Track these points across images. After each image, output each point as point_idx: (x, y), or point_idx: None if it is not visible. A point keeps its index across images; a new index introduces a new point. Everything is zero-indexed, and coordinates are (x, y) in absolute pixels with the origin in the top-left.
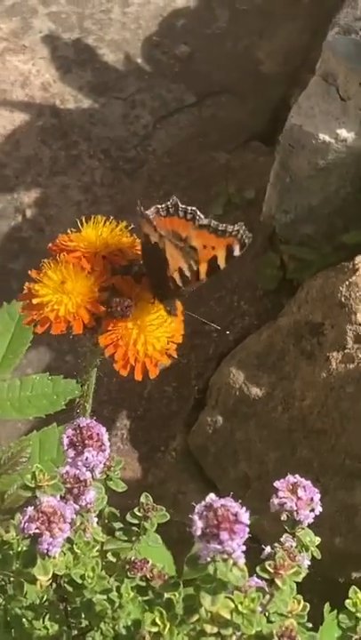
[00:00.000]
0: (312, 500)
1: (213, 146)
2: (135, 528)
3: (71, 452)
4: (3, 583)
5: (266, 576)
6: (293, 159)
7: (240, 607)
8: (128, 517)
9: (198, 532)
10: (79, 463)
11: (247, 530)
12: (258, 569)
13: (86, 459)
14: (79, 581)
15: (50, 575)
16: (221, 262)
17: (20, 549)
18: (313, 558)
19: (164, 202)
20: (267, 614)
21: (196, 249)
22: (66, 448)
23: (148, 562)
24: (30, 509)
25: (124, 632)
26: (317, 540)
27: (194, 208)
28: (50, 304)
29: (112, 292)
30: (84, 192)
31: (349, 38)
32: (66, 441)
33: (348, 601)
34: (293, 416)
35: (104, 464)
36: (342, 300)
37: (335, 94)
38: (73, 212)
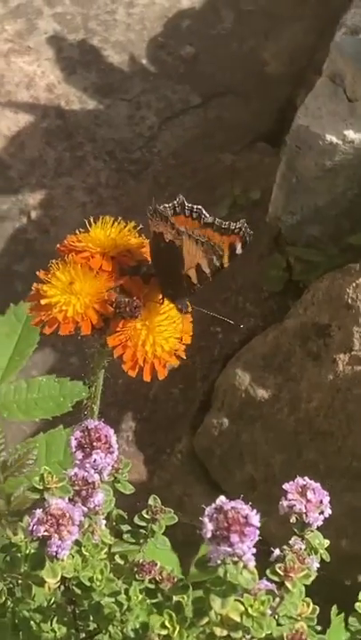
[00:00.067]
0: (321, 502)
1: (219, 147)
2: (143, 531)
3: (79, 454)
4: (11, 586)
5: (276, 579)
6: (300, 160)
7: (250, 610)
8: (136, 520)
9: (209, 535)
10: (87, 465)
11: (258, 532)
12: (268, 571)
13: (94, 461)
14: (87, 584)
15: (58, 578)
16: (225, 261)
17: (28, 552)
18: (320, 561)
19: (169, 202)
20: (276, 617)
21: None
22: (74, 450)
23: (156, 564)
24: (39, 512)
25: (132, 635)
26: (326, 542)
27: (199, 207)
28: (58, 305)
29: (121, 293)
30: (89, 193)
31: (357, 39)
32: (74, 443)
33: (357, 604)
34: (300, 418)
35: (112, 466)
36: (349, 301)
37: (342, 95)
38: (78, 214)
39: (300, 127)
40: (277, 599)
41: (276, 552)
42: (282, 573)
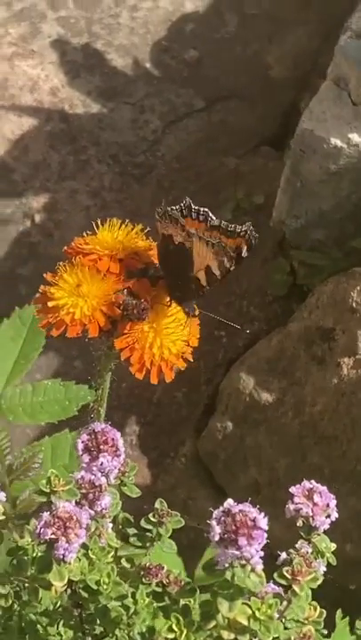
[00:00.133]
0: (328, 505)
1: (223, 151)
2: (149, 534)
3: (86, 458)
4: (17, 589)
5: (283, 582)
6: (305, 164)
7: (257, 613)
8: (142, 523)
9: (216, 538)
10: (94, 468)
11: (265, 535)
12: (275, 575)
13: (101, 464)
14: (94, 587)
15: (65, 581)
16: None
17: (35, 555)
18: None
19: (175, 205)
20: (283, 621)
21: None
22: (81, 453)
23: (163, 568)
24: (46, 515)
25: (138, 638)
26: (333, 546)
27: (206, 209)
28: (65, 307)
29: (128, 296)
30: (92, 197)
31: None
32: (81, 446)
33: None
34: (304, 422)
35: (118, 469)
36: (354, 305)
37: (347, 99)
38: (82, 217)
39: (305, 131)
40: (284, 603)
41: (283, 555)
42: (289, 577)
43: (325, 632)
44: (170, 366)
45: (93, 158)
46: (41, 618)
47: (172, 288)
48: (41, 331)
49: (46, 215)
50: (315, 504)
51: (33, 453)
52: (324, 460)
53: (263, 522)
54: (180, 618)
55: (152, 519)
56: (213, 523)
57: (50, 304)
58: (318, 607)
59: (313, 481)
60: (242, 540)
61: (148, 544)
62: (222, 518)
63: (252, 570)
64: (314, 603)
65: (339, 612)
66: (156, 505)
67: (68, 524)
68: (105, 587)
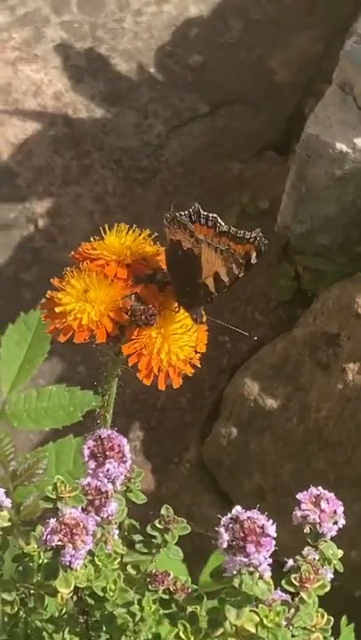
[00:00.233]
0: (335, 512)
1: (227, 156)
2: (155, 540)
3: (92, 464)
4: (23, 596)
5: (291, 589)
6: (310, 169)
7: (265, 621)
8: (148, 530)
9: (225, 545)
10: (100, 474)
11: (274, 542)
12: (283, 582)
13: (107, 470)
14: (100, 594)
15: (71, 588)
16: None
17: (41, 562)
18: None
19: (183, 211)
20: (290, 628)
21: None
22: (87, 459)
23: (169, 574)
24: (52, 521)
25: None
26: (340, 552)
27: (215, 215)
28: (73, 312)
29: (136, 301)
30: (96, 202)
31: None
32: (87, 452)
33: None
34: (309, 428)
35: (124, 475)
36: (359, 310)
37: (352, 104)
38: (85, 222)
39: (310, 136)
40: (292, 610)
41: (290, 562)
42: (297, 584)
43: (331, 639)
44: (177, 372)
45: (97, 163)
46: (47, 625)
47: (180, 294)
48: (46, 336)
49: (50, 220)
50: (322, 511)
51: (37, 459)
52: (329, 465)
53: (271, 529)
54: (188, 625)
55: (158, 526)
56: (221, 530)
57: (57, 309)
58: (326, 614)
59: (320, 487)
60: (250, 548)
61: (154, 550)
62: (230, 525)
63: (260, 577)
64: (321, 610)
65: (344, 619)
66: (163, 511)
67: (74, 530)
68: (111, 593)
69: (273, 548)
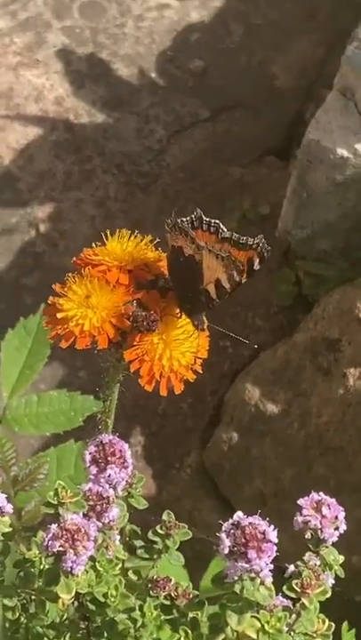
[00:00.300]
0: (336, 517)
1: (228, 161)
2: (157, 546)
3: (94, 469)
4: (24, 601)
5: (293, 595)
6: (311, 174)
7: (267, 626)
8: (150, 535)
9: (226, 551)
10: (102, 480)
11: (275, 548)
12: (284, 588)
13: (109, 476)
14: (102, 600)
15: (73, 593)
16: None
17: (42, 567)
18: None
19: (184, 216)
20: (292, 634)
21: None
22: (88, 465)
23: (170, 580)
24: (54, 527)
25: None
26: (341, 558)
27: (217, 221)
28: (74, 318)
29: (138, 307)
30: (97, 207)
31: None
32: (88, 457)
33: None
34: (310, 433)
35: (126, 481)
36: (360, 315)
37: (353, 109)
38: (87, 227)
39: (311, 141)
40: (293, 616)
41: (291, 568)
42: (299, 590)
43: None
44: (179, 378)
45: (98, 168)
46: (48, 630)
47: (181, 300)
48: (46, 341)
49: (51, 225)
50: (323, 516)
51: (38, 464)
52: (330, 471)
53: (273, 535)
54: (189, 631)
55: (159, 531)
56: (223, 535)
57: (59, 315)
58: (327, 620)
59: (321, 493)
60: (251, 553)
61: (155, 556)
62: (232, 531)
63: (262, 583)
64: (322, 615)
65: (345, 625)
66: (164, 517)
67: (75, 536)
68: (112, 599)
69: (274, 554)
